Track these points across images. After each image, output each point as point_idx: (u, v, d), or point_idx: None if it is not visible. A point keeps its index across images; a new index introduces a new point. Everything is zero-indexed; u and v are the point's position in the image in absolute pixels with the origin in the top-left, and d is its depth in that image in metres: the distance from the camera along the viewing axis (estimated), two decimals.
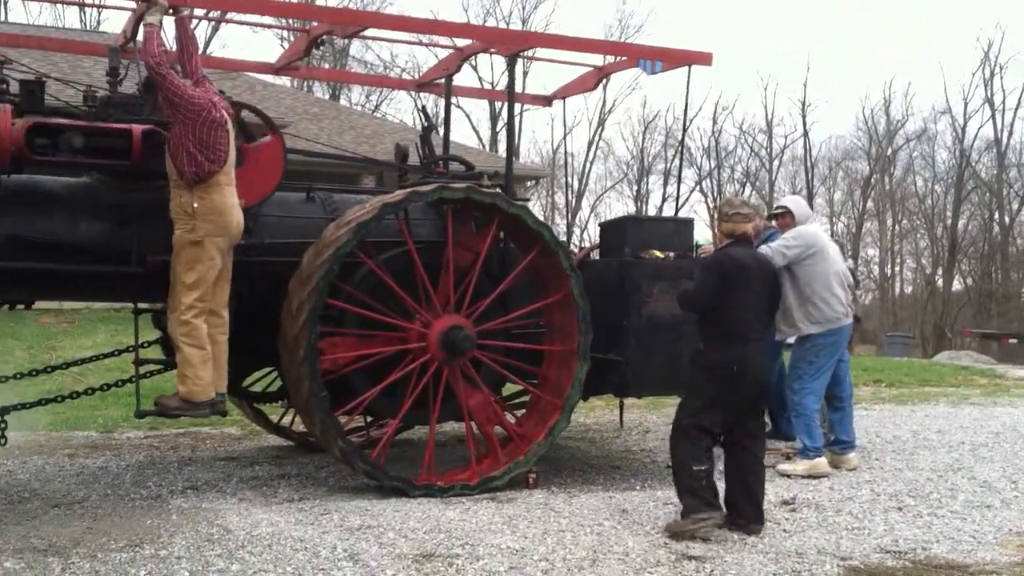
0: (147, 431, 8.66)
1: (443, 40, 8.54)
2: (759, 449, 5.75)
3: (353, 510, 5.82)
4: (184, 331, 5.66)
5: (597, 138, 50.76)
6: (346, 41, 42.48)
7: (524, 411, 7.07)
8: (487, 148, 48.97)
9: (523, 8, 47.88)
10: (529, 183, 29.46)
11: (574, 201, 52.74)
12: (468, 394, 6.55)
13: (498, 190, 6.77)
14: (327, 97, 39.32)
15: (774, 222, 7.71)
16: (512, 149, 7.27)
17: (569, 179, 51.74)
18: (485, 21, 45.63)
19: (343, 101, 42.14)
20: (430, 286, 6.32)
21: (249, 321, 6.40)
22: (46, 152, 5.75)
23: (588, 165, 50.60)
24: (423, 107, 7.85)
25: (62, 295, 7.02)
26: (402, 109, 55.32)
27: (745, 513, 5.58)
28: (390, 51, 41.96)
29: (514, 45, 7.01)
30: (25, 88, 5.92)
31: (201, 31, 43.98)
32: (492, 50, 7.49)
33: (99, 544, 5.02)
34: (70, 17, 40.39)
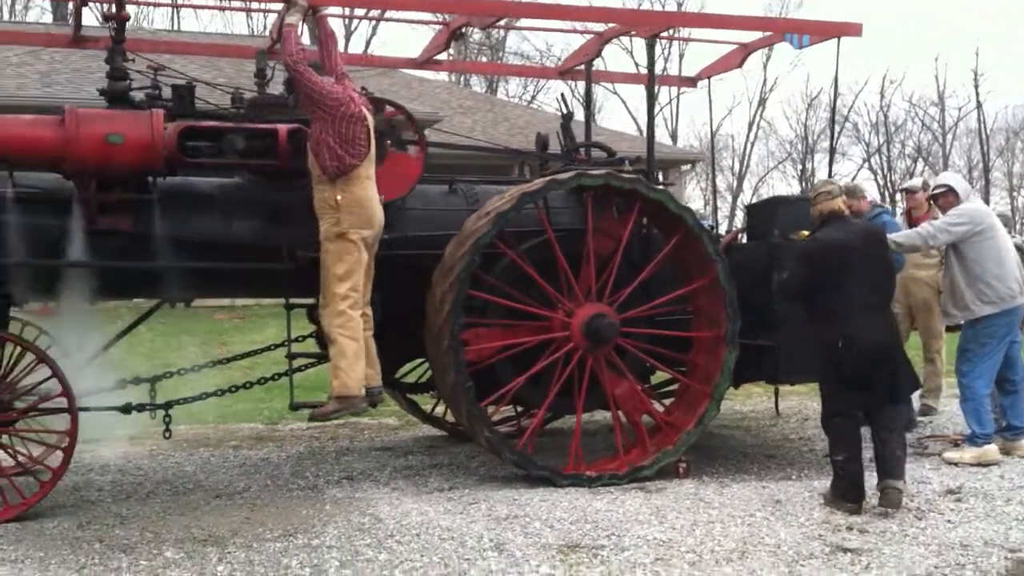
0: (309, 423, 8.93)
1: (590, 25, 8.40)
2: (896, 443, 5.55)
3: (501, 499, 5.84)
4: (339, 322, 5.71)
5: (758, 118, 49.69)
6: (501, 33, 43.10)
7: (673, 399, 6.93)
8: (644, 133, 48.71)
9: None
10: (684, 167, 29.02)
11: (735, 183, 51.81)
12: (614, 383, 6.47)
13: (639, 175, 6.66)
14: (483, 90, 39.89)
15: (936, 202, 7.25)
16: (653, 133, 7.10)
17: (730, 161, 50.87)
18: (640, 4, 45.30)
19: (500, 93, 42.63)
20: (571, 275, 6.27)
21: (398, 313, 6.50)
22: (197, 154, 6.01)
23: (749, 146, 49.60)
24: (562, 95, 7.72)
25: (217, 292, 7.29)
26: (556, 98, 55.42)
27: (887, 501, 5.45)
28: (545, 41, 42.20)
29: (654, 26, 6.87)
30: (176, 93, 6.17)
31: (363, 30, 45.37)
32: (632, 33, 7.37)
33: (255, 534, 5.19)
34: (238, 23, 42.20)
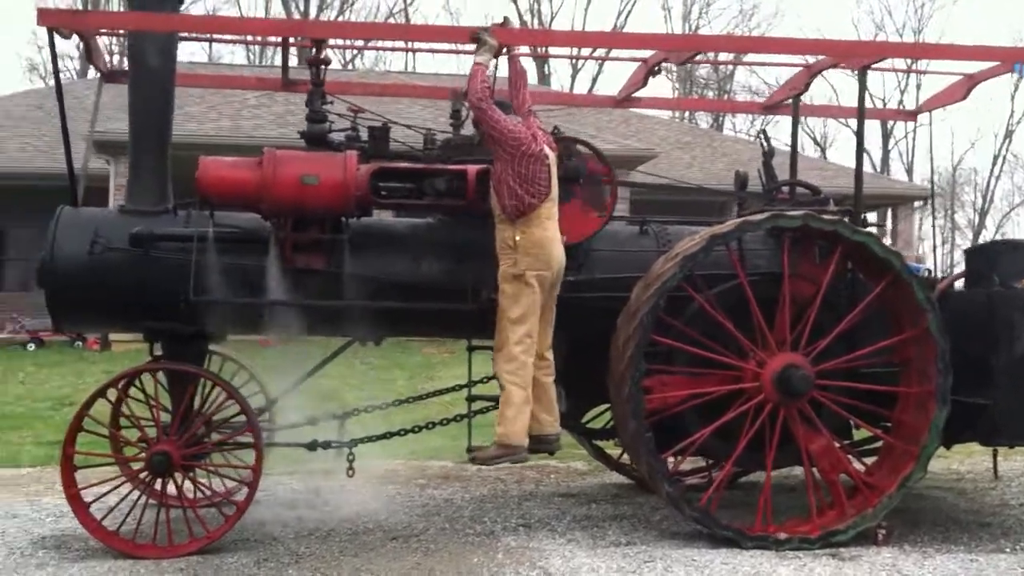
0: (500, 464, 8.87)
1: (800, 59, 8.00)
2: None
3: (679, 559, 5.55)
4: (510, 368, 5.66)
5: (1004, 151, 46.80)
6: (727, 68, 42.46)
7: (876, 459, 6.41)
8: (877, 169, 46.62)
9: (918, 17, 45.17)
10: (917, 203, 27.49)
11: (976, 219, 48.91)
12: (809, 438, 6.05)
13: (844, 216, 6.26)
14: (708, 126, 39.33)
15: None
16: (861, 171, 6.64)
17: (972, 196, 48.10)
18: (875, 36, 43.62)
19: (727, 128, 41.95)
20: (763, 322, 5.92)
21: (585, 357, 6.36)
22: (388, 195, 6.10)
23: (993, 180, 46.77)
24: (762, 131, 7.40)
25: (405, 332, 7.35)
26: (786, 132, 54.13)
27: None
28: (775, 76, 41.28)
29: (865, 58, 6.44)
30: (371, 134, 6.30)
31: (590, 68, 45.86)
32: (842, 65, 6.96)
33: None
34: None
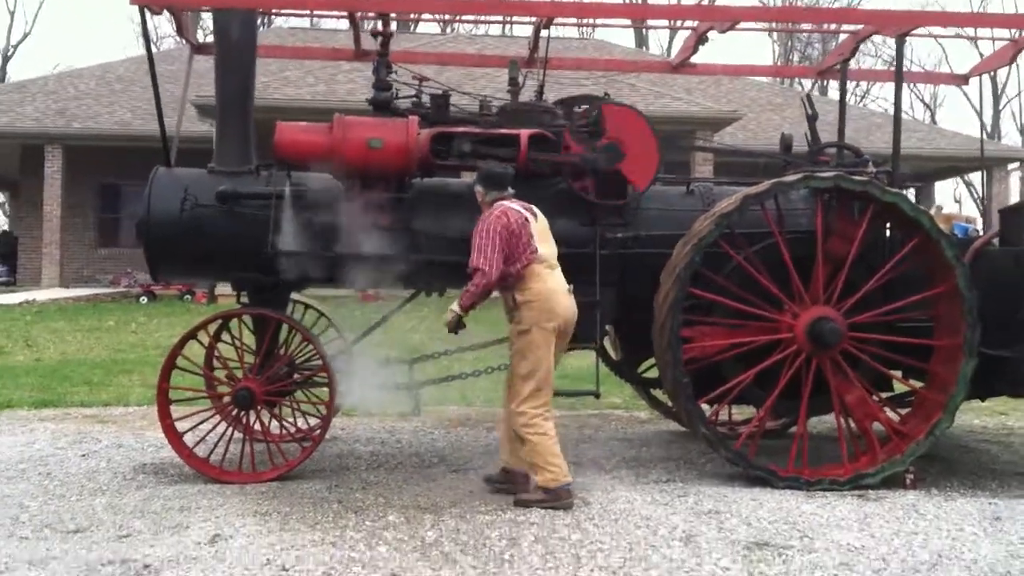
0: (566, 410, 9.39)
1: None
2: None
3: (711, 495, 6.00)
4: (523, 421, 5.74)
5: None
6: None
7: (910, 409, 6.73)
8: (988, 129, 45.39)
9: None
10: (1012, 165, 26.96)
11: None
12: (844, 389, 6.40)
13: (878, 177, 6.54)
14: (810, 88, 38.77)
15: None
16: (899, 132, 6.86)
17: None
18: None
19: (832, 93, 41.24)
20: (797, 277, 6.27)
21: (637, 310, 6.77)
22: (447, 157, 6.59)
23: None
24: (807, 95, 7.67)
25: (464, 284, 7.81)
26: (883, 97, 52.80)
27: None
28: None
29: (901, 25, 6.70)
30: (434, 101, 6.79)
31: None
32: (884, 32, 7.21)
33: (471, 506, 5.69)
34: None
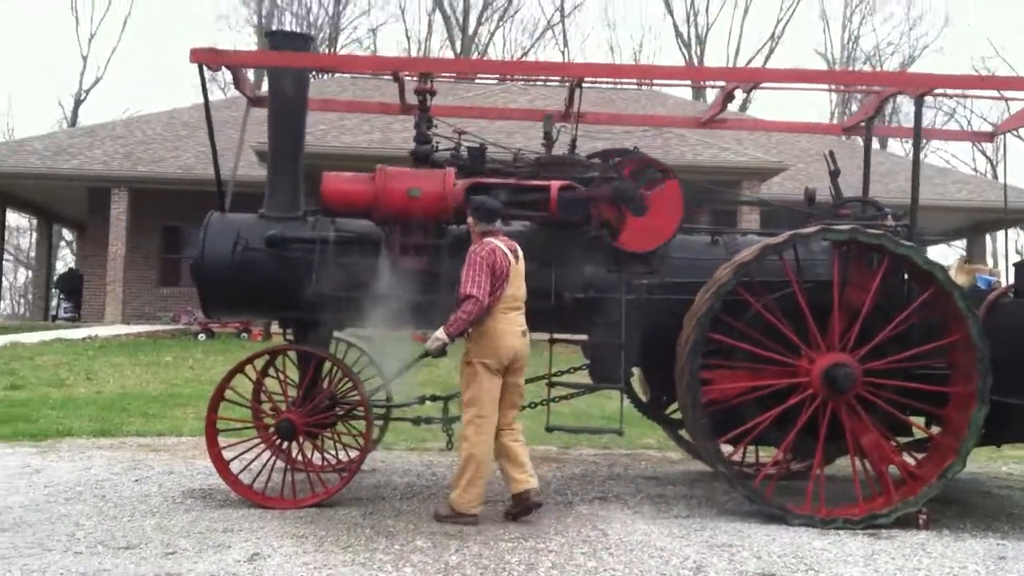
0: (598, 448, 9.69)
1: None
2: None
3: (727, 530, 6.25)
4: (464, 438, 6.33)
5: None
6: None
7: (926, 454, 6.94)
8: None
9: None
10: None
11: None
12: (861, 431, 6.63)
13: (893, 231, 6.81)
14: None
15: None
16: (917, 186, 7.16)
17: None
18: None
19: (892, 147, 41.36)
20: (813, 324, 6.53)
21: (663, 354, 7.07)
22: None
23: None
24: (830, 152, 7.98)
25: None
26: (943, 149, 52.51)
27: None
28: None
29: (921, 87, 6.99)
30: (470, 154, 7.21)
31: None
32: (907, 92, 7.50)
33: (496, 534, 6.01)
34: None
